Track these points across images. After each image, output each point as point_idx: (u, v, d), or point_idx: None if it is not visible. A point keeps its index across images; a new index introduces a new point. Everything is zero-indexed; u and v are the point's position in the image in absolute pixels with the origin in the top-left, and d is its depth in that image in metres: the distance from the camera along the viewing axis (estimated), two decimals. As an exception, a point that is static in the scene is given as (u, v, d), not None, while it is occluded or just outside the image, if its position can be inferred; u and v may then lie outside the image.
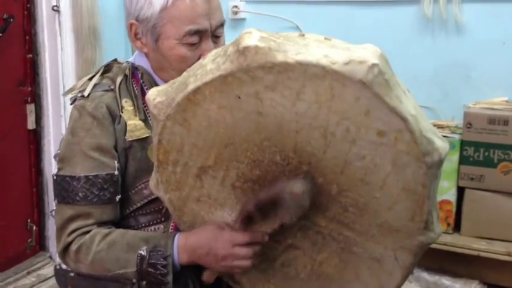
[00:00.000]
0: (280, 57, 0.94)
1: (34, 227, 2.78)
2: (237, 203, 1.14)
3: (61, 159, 1.27)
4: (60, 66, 2.65)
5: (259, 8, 2.72)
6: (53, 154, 2.75)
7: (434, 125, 2.27)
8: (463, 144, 2.22)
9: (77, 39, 2.64)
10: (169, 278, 1.17)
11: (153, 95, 1.09)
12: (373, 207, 1.06)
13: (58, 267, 1.31)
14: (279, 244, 1.19)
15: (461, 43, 2.45)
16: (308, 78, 0.94)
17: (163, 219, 1.29)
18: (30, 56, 2.67)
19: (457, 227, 2.27)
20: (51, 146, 2.75)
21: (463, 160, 2.21)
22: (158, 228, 1.29)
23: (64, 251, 1.24)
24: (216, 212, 1.16)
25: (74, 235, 1.22)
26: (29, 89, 2.68)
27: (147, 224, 1.29)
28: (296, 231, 1.16)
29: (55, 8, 2.59)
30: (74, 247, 1.21)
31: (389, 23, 2.54)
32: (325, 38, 1.00)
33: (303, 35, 1.01)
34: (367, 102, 0.94)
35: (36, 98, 2.71)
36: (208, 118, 1.04)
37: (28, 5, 2.61)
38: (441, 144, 1.02)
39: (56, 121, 2.72)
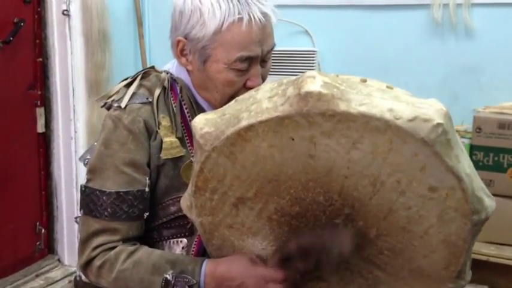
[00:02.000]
0: (342, 107, 0.92)
1: (43, 230, 2.80)
2: (271, 233, 1.11)
3: (91, 170, 1.23)
4: (70, 69, 2.66)
5: (268, 12, 2.71)
6: (62, 157, 2.76)
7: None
8: (473, 148, 2.22)
9: (86, 43, 2.65)
10: None
11: (201, 123, 1.04)
12: (409, 253, 1.06)
13: (78, 278, 1.31)
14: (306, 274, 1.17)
15: (470, 47, 2.46)
16: (368, 130, 0.93)
17: (187, 233, 1.26)
18: (41, 59, 2.67)
19: (466, 232, 2.27)
20: (60, 149, 2.76)
21: (472, 165, 2.22)
22: (181, 242, 1.26)
23: (86, 265, 1.21)
24: (248, 240, 1.13)
25: (98, 250, 1.19)
26: (39, 92, 2.69)
27: (170, 236, 1.27)
28: (326, 265, 1.15)
29: (65, 12, 2.59)
30: (97, 262, 1.19)
31: (399, 27, 2.55)
32: (387, 87, 0.98)
33: (365, 81, 0.99)
34: (424, 159, 0.93)
35: (46, 102, 2.72)
36: (257, 154, 1.01)
37: (39, 9, 2.62)
38: (489, 203, 1.01)
39: (66, 125, 2.73)
